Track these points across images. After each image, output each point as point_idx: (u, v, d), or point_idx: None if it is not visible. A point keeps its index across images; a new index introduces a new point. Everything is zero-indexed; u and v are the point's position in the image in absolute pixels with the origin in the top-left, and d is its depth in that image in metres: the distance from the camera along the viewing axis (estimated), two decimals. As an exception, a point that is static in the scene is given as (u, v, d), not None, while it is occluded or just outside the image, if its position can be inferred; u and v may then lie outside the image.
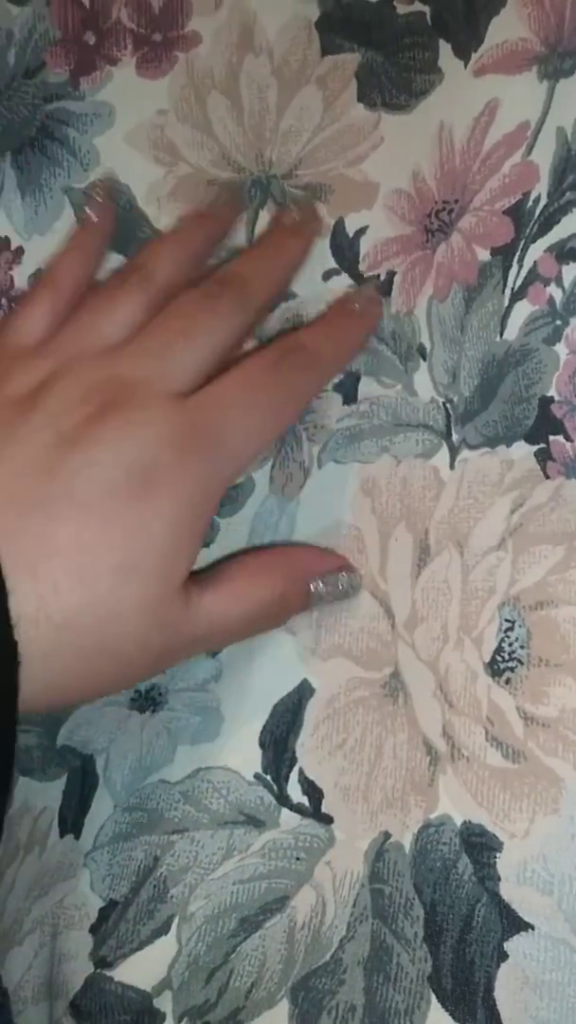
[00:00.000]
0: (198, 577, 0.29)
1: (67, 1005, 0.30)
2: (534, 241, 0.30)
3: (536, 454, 0.30)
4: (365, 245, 0.33)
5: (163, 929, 0.30)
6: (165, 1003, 0.29)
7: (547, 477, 0.29)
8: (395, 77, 0.33)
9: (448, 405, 0.31)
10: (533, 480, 0.30)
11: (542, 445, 0.30)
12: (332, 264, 0.33)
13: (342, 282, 0.33)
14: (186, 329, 0.29)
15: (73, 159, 0.35)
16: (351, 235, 0.33)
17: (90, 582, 0.26)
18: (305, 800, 0.30)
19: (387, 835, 0.29)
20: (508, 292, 0.30)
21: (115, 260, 0.34)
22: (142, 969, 0.30)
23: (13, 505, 0.26)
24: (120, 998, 0.30)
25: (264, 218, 0.34)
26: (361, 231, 0.33)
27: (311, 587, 0.30)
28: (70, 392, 0.28)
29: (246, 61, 0.34)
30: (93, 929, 0.31)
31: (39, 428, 0.27)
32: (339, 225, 0.33)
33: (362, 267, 0.33)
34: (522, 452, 0.30)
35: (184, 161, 0.35)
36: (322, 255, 0.33)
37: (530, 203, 0.30)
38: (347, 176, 0.33)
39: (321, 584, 0.30)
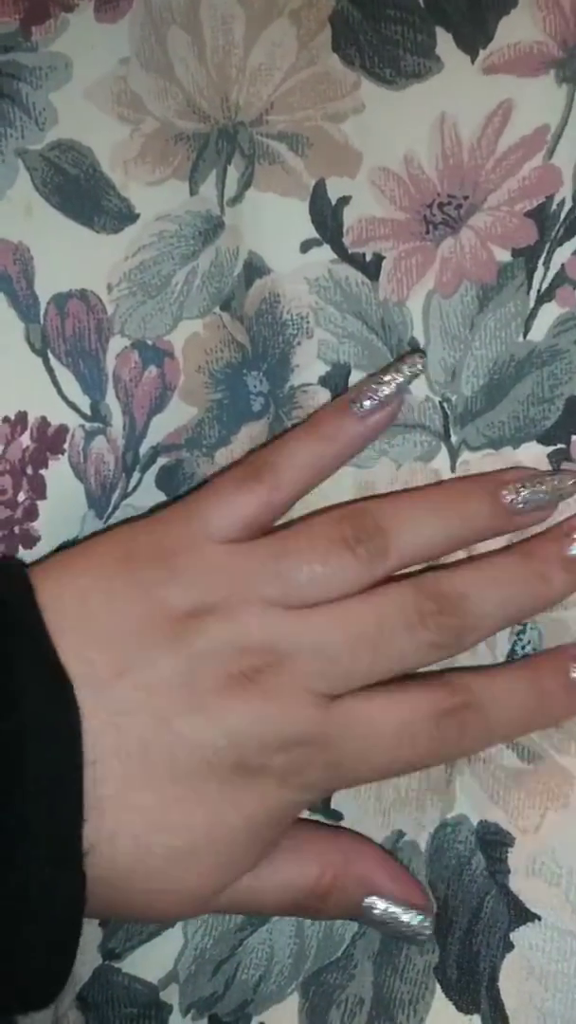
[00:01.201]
0: None
1: (74, 997, 0.30)
2: (560, 244, 0.28)
3: (550, 455, 0.28)
4: (348, 218, 0.30)
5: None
6: (172, 996, 0.29)
7: None
8: (378, 46, 0.30)
9: (445, 404, 0.29)
10: None
11: (560, 445, 0.28)
12: (312, 233, 0.30)
13: (323, 255, 0.30)
14: (377, 640, 0.25)
15: (27, 118, 0.31)
16: (333, 202, 0.30)
17: (145, 855, 0.24)
18: (316, 798, 0.30)
19: (400, 834, 0.29)
20: (533, 294, 0.29)
21: (75, 230, 0.31)
22: (149, 961, 0.30)
23: (114, 735, 0.24)
24: (127, 990, 0.30)
25: (232, 174, 0.30)
26: (344, 200, 0.30)
27: (365, 903, 0.27)
28: (227, 643, 0.25)
29: (208, -14, 0.30)
30: (103, 922, 0.30)
31: (176, 665, 0.25)
32: (320, 187, 0.30)
33: (346, 241, 0.30)
34: (532, 453, 0.28)
35: (150, 115, 0.31)
36: (300, 222, 0.30)
37: (554, 206, 0.29)
38: (326, 132, 0.30)
39: (378, 910, 0.27)
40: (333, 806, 0.29)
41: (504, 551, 0.28)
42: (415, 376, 0.28)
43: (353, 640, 0.25)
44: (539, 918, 0.27)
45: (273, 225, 0.30)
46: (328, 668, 0.25)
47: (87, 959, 0.30)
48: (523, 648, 0.28)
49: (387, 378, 0.27)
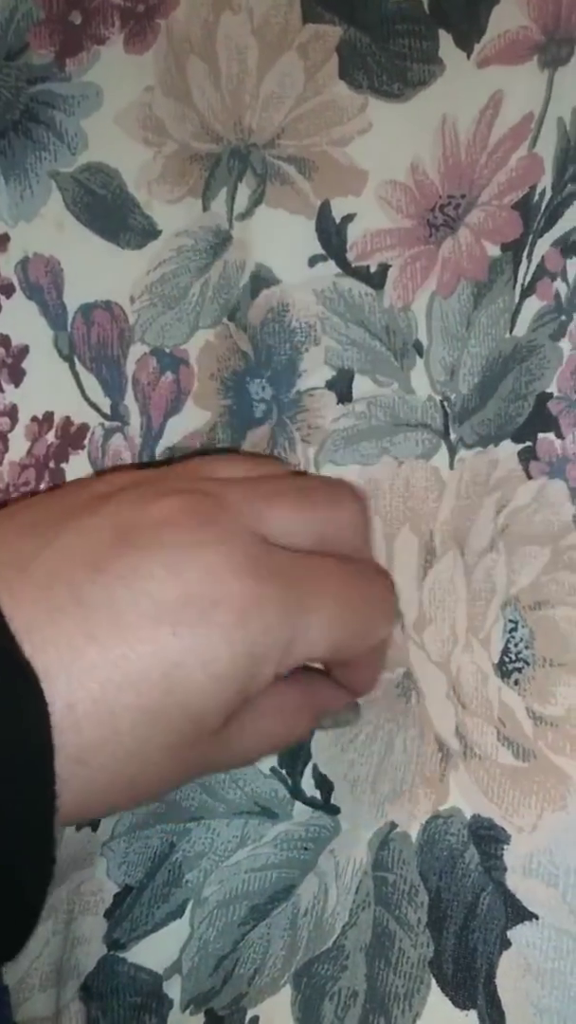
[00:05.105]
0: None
1: (78, 987, 0.30)
2: (541, 235, 0.28)
3: (520, 453, 0.28)
4: (353, 234, 0.31)
5: (177, 912, 0.30)
6: (174, 988, 0.29)
7: (529, 477, 0.28)
8: (386, 63, 0.31)
9: (446, 403, 0.30)
10: (515, 481, 0.28)
11: (527, 444, 0.28)
12: (318, 249, 0.31)
13: (328, 269, 0.31)
14: (301, 500, 0.25)
15: (60, 142, 0.33)
16: (338, 221, 0.31)
17: (112, 717, 0.22)
18: (317, 794, 0.30)
19: (393, 825, 0.28)
20: (518, 288, 0.29)
21: (102, 245, 0.33)
22: (155, 951, 0.30)
23: (49, 599, 0.22)
24: (132, 979, 0.30)
25: (243, 191, 0.31)
26: (348, 218, 0.31)
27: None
28: (149, 491, 0.24)
29: (223, 19, 0.31)
30: (108, 913, 0.30)
31: (101, 521, 0.23)
32: (325, 208, 0.31)
33: (349, 256, 0.30)
34: (507, 452, 0.28)
35: (170, 138, 0.32)
36: (307, 239, 0.31)
37: (536, 196, 0.28)
38: (331, 156, 0.31)
39: (327, 720, 0.28)
40: (333, 802, 0.29)
41: None
42: None
43: (284, 488, 0.25)
44: (536, 917, 0.26)
45: (283, 239, 0.31)
46: (261, 508, 0.24)
47: (92, 949, 0.30)
48: (515, 645, 0.28)
49: None
